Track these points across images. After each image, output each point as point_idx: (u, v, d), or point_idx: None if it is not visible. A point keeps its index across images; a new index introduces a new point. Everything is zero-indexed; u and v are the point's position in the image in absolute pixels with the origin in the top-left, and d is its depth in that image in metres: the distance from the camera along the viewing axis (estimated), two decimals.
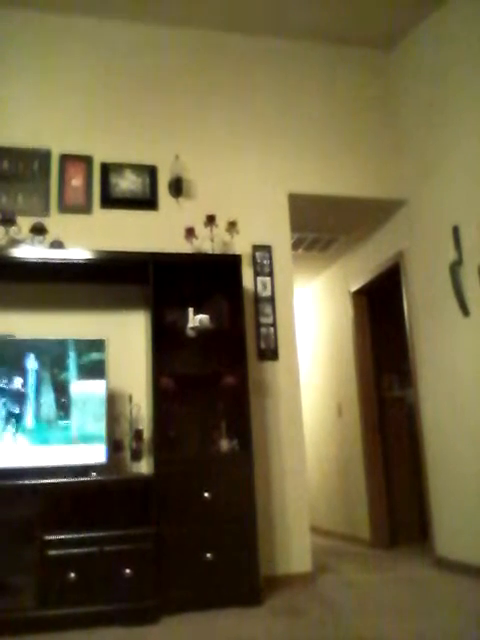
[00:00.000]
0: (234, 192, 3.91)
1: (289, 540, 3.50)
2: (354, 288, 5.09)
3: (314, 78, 4.29)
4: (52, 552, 2.77)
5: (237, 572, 3.00)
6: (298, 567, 3.48)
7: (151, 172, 3.79)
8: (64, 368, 3.12)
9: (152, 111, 3.92)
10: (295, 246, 4.85)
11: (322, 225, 4.64)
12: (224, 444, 3.26)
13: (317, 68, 4.31)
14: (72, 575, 2.75)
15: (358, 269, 5.05)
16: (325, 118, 4.22)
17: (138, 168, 3.77)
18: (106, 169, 3.72)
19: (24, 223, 3.36)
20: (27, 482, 2.84)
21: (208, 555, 2.98)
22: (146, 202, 3.74)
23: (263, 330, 3.74)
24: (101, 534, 2.84)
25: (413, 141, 4.19)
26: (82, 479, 2.95)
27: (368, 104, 4.32)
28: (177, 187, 3.77)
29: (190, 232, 3.58)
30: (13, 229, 3.33)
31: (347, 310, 5.23)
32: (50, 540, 2.78)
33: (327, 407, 5.72)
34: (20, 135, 3.64)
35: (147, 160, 3.80)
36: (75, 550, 2.80)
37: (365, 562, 4.17)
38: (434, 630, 2.53)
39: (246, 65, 4.17)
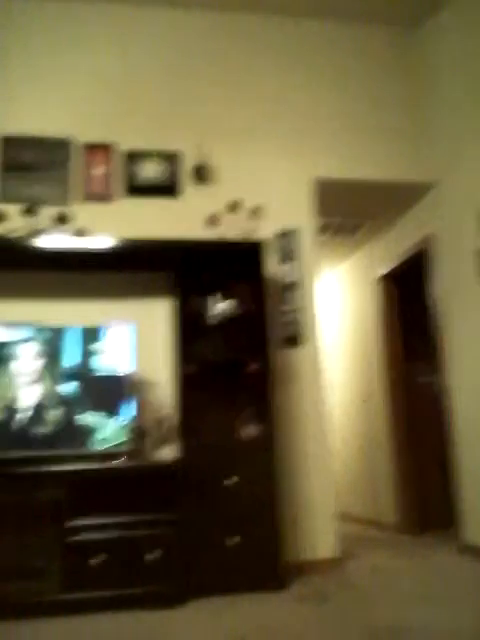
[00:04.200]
0: (258, 177, 3.88)
1: (315, 526, 3.50)
2: (381, 273, 5.02)
3: (341, 59, 4.20)
4: (77, 537, 2.82)
5: (262, 557, 3.01)
6: (324, 553, 3.48)
7: (174, 159, 3.77)
8: (89, 355, 3.15)
9: (174, 97, 3.90)
10: (320, 231, 4.80)
11: (348, 210, 4.57)
12: (248, 430, 3.26)
13: (344, 49, 4.22)
14: (97, 559, 2.80)
15: (385, 254, 4.98)
16: (352, 100, 4.14)
17: (161, 155, 3.77)
18: (128, 157, 3.72)
19: (47, 212, 3.39)
20: (53, 468, 2.90)
21: (233, 540, 3.00)
22: (169, 189, 3.74)
23: (287, 316, 3.72)
24: (126, 519, 2.88)
25: (443, 123, 4.07)
26: (107, 465, 2.99)
27: (396, 86, 4.22)
28: (200, 173, 3.76)
29: (213, 219, 3.57)
30: (37, 219, 3.36)
31: (374, 295, 5.17)
32: (76, 525, 2.83)
33: (352, 393, 5.69)
34: (42, 125, 3.66)
35: (170, 147, 3.79)
36: (100, 535, 2.84)
37: (392, 548, 4.15)
38: (462, 617, 2.50)
39: (269, 47, 4.11)
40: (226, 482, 3.05)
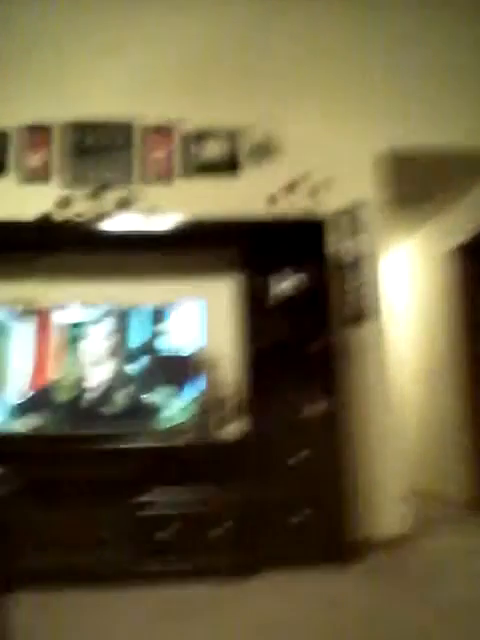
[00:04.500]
0: (319, 153, 3.79)
1: (383, 502, 3.46)
2: (451, 247, 4.84)
3: (410, 18, 3.98)
4: (147, 510, 2.90)
5: (330, 532, 3.01)
6: (393, 529, 3.45)
7: (233, 137, 3.75)
8: (156, 334, 3.21)
9: (232, 75, 3.86)
10: (384, 208, 4.66)
11: (414, 183, 4.42)
12: (313, 407, 3.24)
13: (402, 17, 4.04)
14: (167, 532, 2.88)
15: (455, 227, 4.79)
16: (422, 65, 3.94)
17: (220, 134, 3.75)
18: (188, 137, 3.73)
19: (112, 195, 3.45)
20: (123, 445, 2.98)
21: (300, 515, 3.00)
22: (229, 168, 3.72)
23: (353, 293, 3.65)
24: (193, 494, 2.94)
25: None
26: (176, 441, 3.06)
27: (473, 49, 3.99)
28: (260, 151, 3.72)
29: (274, 197, 3.53)
30: (101, 202, 3.43)
31: (443, 270, 5.00)
32: (145, 500, 2.91)
33: (419, 370, 5.55)
34: (103, 109, 3.70)
35: (229, 125, 3.76)
36: (168, 509, 2.92)
37: (463, 525, 4.05)
38: None
39: (325, 18, 3.99)
40: (292, 458, 3.05)
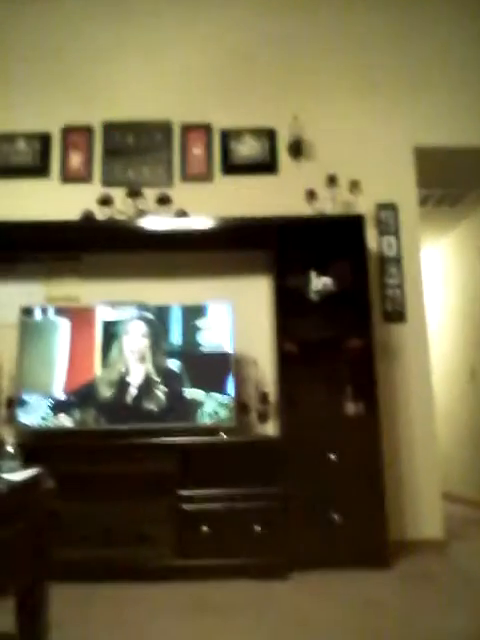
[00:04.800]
0: (356, 149, 3.78)
1: (419, 505, 3.43)
2: None
3: (438, 18, 3.97)
4: (186, 506, 2.94)
5: (365, 534, 3.00)
6: (428, 533, 3.41)
7: (270, 135, 3.76)
8: (193, 332, 3.24)
9: (268, 73, 3.87)
10: (422, 203, 4.61)
11: (451, 179, 4.36)
12: (350, 407, 3.23)
13: (443, 11, 3.98)
14: (205, 528, 2.91)
15: None
16: (455, 62, 3.91)
17: (257, 132, 3.76)
18: (226, 136, 3.75)
19: (150, 194, 3.49)
20: (163, 440, 3.02)
21: (335, 516, 3.00)
22: (266, 166, 3.73)
23: (389, 291, 3.63)
24: (231, 491, 2.96)
25: None
26: (213, 439, 3.09)
27: None
28: (297, 149, 3.72)
29: (311, 194, 3.52)
30: (140, 200, 3.48)
31: None
32: (184, 495, 2.95)
33: (457, 371, 5.47)
34: (142, 109, 3.75)
35: (266, 123, 3.77)
36: (207, 505, 2.94)
37: None
38: None
39: (361, 11, 3.96)
40: (329, 458, 3.05)
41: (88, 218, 3.41)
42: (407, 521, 3.40)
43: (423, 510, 3.43)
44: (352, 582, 2.79)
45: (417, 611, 2.41)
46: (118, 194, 3.49)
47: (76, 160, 3.69)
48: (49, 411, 3.15)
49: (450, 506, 4.74)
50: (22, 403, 3.15)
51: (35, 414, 3.14)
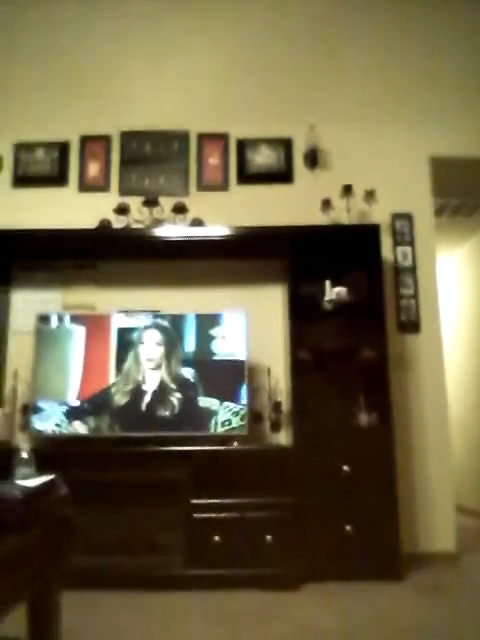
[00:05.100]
0: (371, 159, 3.78)
1: (432, 517, 3.40)
2: None
3: (455, 28, 3.97)
4: (198, 515, 2.94)
5: (377, 546, 2.98)
6: (441, 545, 3.38)
7: (286, 145, 3.77)
8: (207, 341, 3.26)
9: (284, 84, 3.89)
10: (437, 213, 4.60)
11: (467, 189, 4.34)
12: (363, 418, 3.22)
13: (459, 17, 3.99)
14: (216, 538, 2.90)
15: None
16: (468, 72, 3.91)
17: (273, 142, 3.78)
18: (242, 145, 3.77)
19: (166, 203, 3.52)
20: (175, 448, 3.03)
21: (348, 527, 2.99)
22: (282, 176, 3.75)
23: (404, 302, 3.62)
24: (243, 501, 2.95)
25: None
26: (226, 448, 3.09)
27: None
28: (312, 158, 3.73)
29: (327, 203, 3.54)
30: (156, 209, 3.51)
31: None
32: (196, 503, 2.95)
33: (471, 381, 5.43)
34: (160, 118, 3.79)
35: (282, 133, 3.79)
36: (219, 514, 2.94)
37: None
38: None
39: (379, 24, 3.97)
40: (341, 469, 3.04)
41: (105, 227, 3.45)
42: (420, 533, 3.38)
43: (436, 522, 3.40)
44: (364, 594, 2.77)
45: (429, 624, 2.39)
46: (135, 203, 3.53)
47: (94, 169, 3.73)
48: (64, 418, 3.17)
49: (462, 519, 4.69)
50: (37, 410, 3.18)
51: (50, 421, 3.17)
